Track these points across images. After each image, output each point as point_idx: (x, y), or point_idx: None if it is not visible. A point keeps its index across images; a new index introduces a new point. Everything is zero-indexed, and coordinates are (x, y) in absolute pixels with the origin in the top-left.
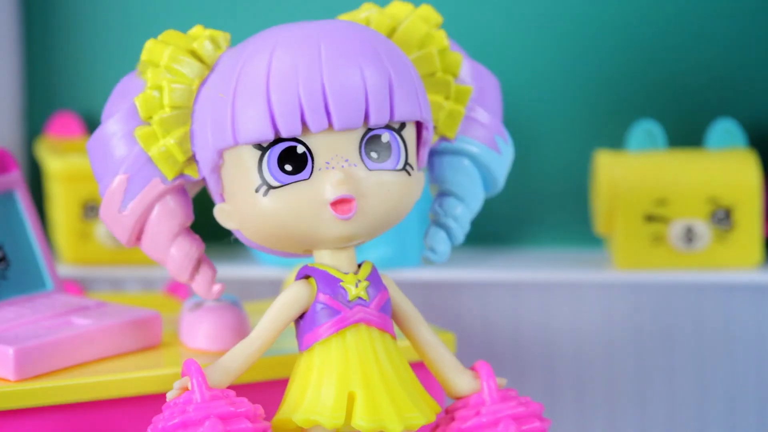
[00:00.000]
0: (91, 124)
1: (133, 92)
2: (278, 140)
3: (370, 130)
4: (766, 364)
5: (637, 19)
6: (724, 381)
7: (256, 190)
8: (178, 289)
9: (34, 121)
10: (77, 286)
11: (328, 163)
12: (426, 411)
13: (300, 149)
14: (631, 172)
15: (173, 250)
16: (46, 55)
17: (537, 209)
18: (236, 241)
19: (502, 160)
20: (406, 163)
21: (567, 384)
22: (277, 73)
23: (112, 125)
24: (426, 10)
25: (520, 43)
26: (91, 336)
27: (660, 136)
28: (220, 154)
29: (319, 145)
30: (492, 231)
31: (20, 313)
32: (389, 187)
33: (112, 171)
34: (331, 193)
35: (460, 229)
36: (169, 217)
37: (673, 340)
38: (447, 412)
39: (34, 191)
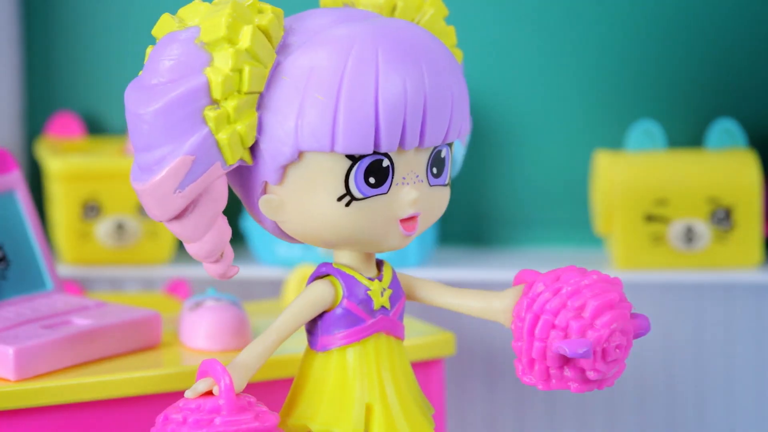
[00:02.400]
0: (91, 124)
1: (199, 64)
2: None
3: (436, 146)
4: (766, 364)
5: (636, 19)
6: (724, 381)
7: (339, 199)
8: (178, 289)
9: (34, 121)
10: (77, 286)
11: (404, 178)
12: (430, 420)
13: (385, 163)
14: (631, 172)
15: (211, 233)
16: (46, 55)
17: (537, 209)
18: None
19: (463, 150)
20: (450, 177)
21: None
22: (387, 92)
23: (177, 99)
24: (435, 2)
25: (520, 42)
26: (91, 336)
27: (659, 136)
28: (300, 153)
29: (401, 160)
30: (492, 231)
31: (20, 313)
32: (440, 202)
33: (172, 147)
34: (407, 210)
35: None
36: (216, 201)
37: (673, 340)
38: (518, 311)
39: (34, 191)
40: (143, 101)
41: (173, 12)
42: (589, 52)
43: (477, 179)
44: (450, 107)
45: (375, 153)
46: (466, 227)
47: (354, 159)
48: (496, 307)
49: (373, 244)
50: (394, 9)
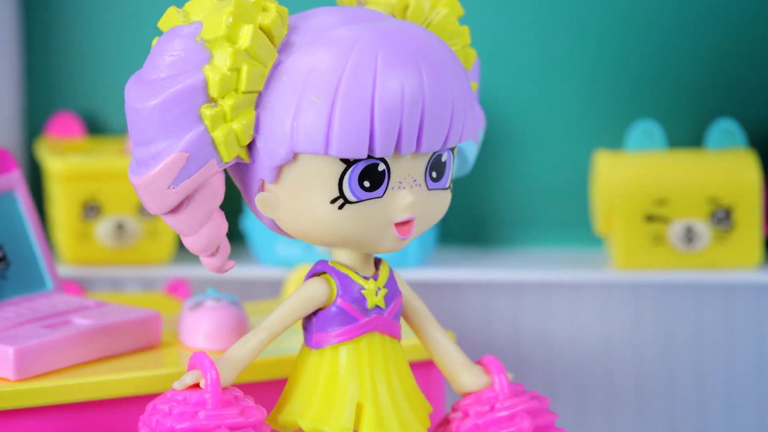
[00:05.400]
0: (92, 124)
1: (198, 62)
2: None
3: (436, 151)
4: (766, 364)
5: (637, 19)
6: (724, 381)
7: (332, 202)
8: (178, 289)
9: (34, 121)
10: (77, 286)
11: (400, 182)
12: (423, 418)
13: (381, 167)
14: (631, 172)
15: (207, 227)
16: (46, 55)
17: (537, 209)
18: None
19: (477, 148)
20: (451, 180)
21: (567, 384)
22: (384, 97)
23: (174, 95)
24: (451, 1)
25: (520, 42)
26: (91, 336)
27: (659, 136)
28: (296, 154)
29: (397, 165)
30: (492, 231)
31: (20, 313)
32: (439, 207)
33: (167, 143)
34: (401, 215)
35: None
36: (211, 198)
37: (673, 340)
38: (454, 409)
39: (34, 191)
40: (142, 96)
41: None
42: (588, 52)
43: (477, 179)
44: (450, 112)
45: (370, 158)
46: (466, 227)
47: (348, 163)
48: (460, 381)
49: (367, 245)
50: (406, 8)
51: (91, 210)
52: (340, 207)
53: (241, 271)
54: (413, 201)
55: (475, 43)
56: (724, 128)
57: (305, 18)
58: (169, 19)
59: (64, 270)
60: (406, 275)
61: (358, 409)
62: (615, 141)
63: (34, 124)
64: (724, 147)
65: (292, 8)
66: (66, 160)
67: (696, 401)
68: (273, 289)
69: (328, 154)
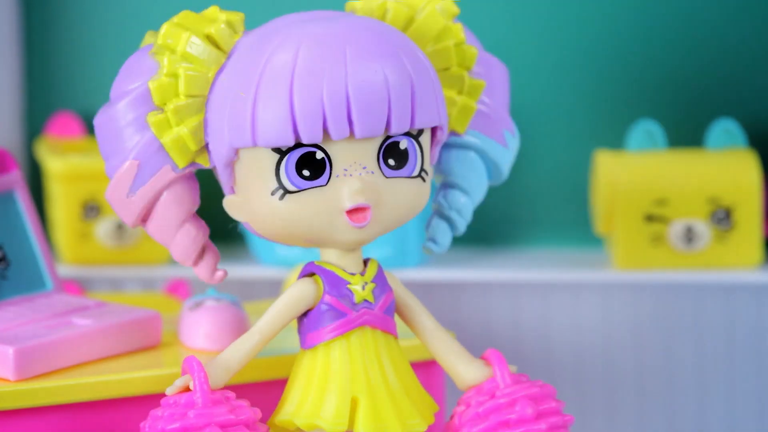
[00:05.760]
0: (91, 124)
1: (146, 73)
2: (297, 145)
3: (389, 137)
4: (766, 364)
5: (637, 19)
6: (724, 381)
7: (272, 193)
8: (178, 289)
9: (34, 121)
10: (77, 286)
11: (346, 170)
12: (426, 414)
13: (319, 155)
14: (631, 172)
15: (179, 236)
16: (46, 55)
17: (537, 209)
18: (234, 229)
19: (508, 153)
20: (422, 169)
21: (567, 383)
22: (301, 79)
23: (123, 107)
24: (444, 1)
25: (520, 42)
26: (91, 336)
27: (660, 136)
28: (236, 151)
29: (337, 151)
30: (492, 231)
31: (20, 313)
32: (405, 195)
33: (121, 154)
34: (348, 201)
35: (463, 221)
36: (176, 204)
37: (673, 340)
38: (458, 403)
39: (34, 191)
40: (103, 111)
41: (173, 12)
42: (589, 52)
43: None
44: (385, 97)
45: (301, 145)
46: (467, 227)
47: (281, 152)
48: (462, 376)
49: (324, 236)
50: (386, 12)
51: (91, 210)
52: (281, 197)
53: (241, 271)
54: (360, 187)
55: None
56: (724, 128)
57: (265, 24)
58: (145, 41)
59: (64, 270)
60: (406, 275)
61: (354, 404)
62: (615, 141)
63: (34, 124)
64: (724, 147)
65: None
66: (66, 160)
67: (696, 401)
68: (273, 289)
69: (257, 145)
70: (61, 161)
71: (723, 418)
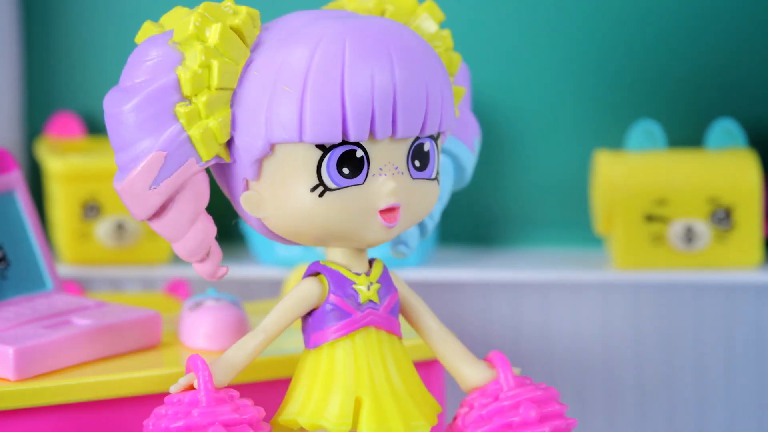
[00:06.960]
0: (92, 124)
1: (168, 63)
2: (340, 143)
3: (417, 138)
4: (766, 364)
5: (637, 19)
6: (724, 381)
7: (312, 190)
8: (178, 289)
9: (34, 121)
10: (77, 286)
11: (381, 169)
12: (429, 415)
13: (359, 153)
14: (631, 172)
15: (192, 232)
16: (46, 55)
17: (537, 209)
18: (236, 225)
19: (473, 157)
20: (438, 171)
21: (567, 384)
22: (353, 81)
23: (144, 98)
24: (430, 6)
25: (520, 42)
26: (91, 336)
27: (660, 136)
28: (272, 146)
29: (377, 151)
30: (492, 231)
31: (20, 313)
32: (425, 197)
33: (144, 145)
34: (385, 201)
35: (432, 224)
36: (195, 199)
37: (673, 340)
38: (462, 405)
39: (34, 191)
40: (118, 101)
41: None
42: (589, 52)
43: (477, 179)
44: (425, 98)
45: (346, 143)
46: (467, 227)
47: (325, 149)
48: (466, 377)
49: (355, 237)
50: (383, 13)
51: (91, 210)
52: (321, 195)
53: (241, 271)
54: (395, 186)
55: (476, 43)
56: (724, 128)
57: (278, 20)
58: (145, 32)
59: (64, 270)
60: (406, 275)
61: (357, 404)
62: (615, 141)
63: (34, 124)
64: (724, 147)
65: (279, 12)
66: (66, 160)
67: (696, 401)
68: (273, 289)
69: (302, 141)
70: (61, 161)
71: (723, 417)
